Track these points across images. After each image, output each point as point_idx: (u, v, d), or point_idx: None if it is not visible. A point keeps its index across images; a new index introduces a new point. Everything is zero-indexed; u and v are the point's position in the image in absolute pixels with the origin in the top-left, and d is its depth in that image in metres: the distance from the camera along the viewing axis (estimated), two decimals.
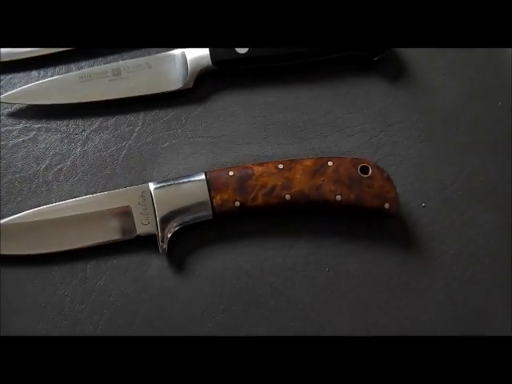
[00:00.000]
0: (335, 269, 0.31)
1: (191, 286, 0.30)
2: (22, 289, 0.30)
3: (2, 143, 0.33)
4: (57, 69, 0.34)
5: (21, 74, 0.34)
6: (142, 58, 0.33)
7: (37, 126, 0.33)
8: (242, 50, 0.33)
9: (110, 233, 0.30)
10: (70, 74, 0.33)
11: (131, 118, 0.33)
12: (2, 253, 0.30)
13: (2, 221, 0.30)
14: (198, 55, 0.33)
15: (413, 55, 0.36)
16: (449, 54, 0.36)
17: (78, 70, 0.34)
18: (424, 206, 0.33)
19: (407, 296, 0.30)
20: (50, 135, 0.33)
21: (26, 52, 0.34)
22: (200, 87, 0.33)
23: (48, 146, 0.33)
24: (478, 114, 0.35)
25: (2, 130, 0.33)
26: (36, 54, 0.34)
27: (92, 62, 0.34)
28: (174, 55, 0.33)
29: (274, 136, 0.33)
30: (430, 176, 0.33)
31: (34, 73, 0.34)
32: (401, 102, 0.34)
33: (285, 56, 0.33)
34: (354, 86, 0.34)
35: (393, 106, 0.34)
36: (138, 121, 0.33)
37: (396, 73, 0.35)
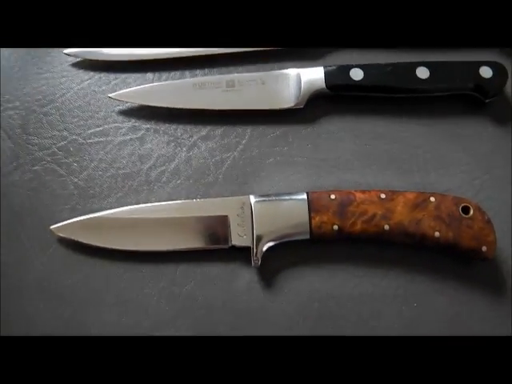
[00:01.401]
0: (423, 305, 0.34)
1: (277, 303, 0.34)
2: (111, 282, 0.35)
3: (109, 138, 0.37)
4: (172, 73, 0.39)
5: (136, 75, 0.39)
6: (256, 74, 0.38)
7: (145, 126, 0.38)
8: (358, 77, 0.37)
9: (205, 240, 0.34)
10: (185, 80, 0.38)
11: (239, 130, 0.37)
12: (95, 244, 0.35)
13: (101, 213, 0.35)
14: (312, 77, 0.37)
15: None
16: None
17: (192, 77, 0.39)
18: None
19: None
20: (158, 137, 0.38)
21: (143, 54, 0.39)
22: (310, 108, 0.37)
23: (154, 146, 0.37)
24: None
25: (112, 126, 0.38)
26: (153, 58, 0.39)
27: (206, 71, 0.39)
28: (288, 74, 0.38)
29: (377, 165, 0.37)
30: None
31: (149, 75, 0.39)
32: (509, 147, 0.38)
33: (399, 88, 0.37)
34: (463, 125, 0.38)
35: (500, 150, 0.38)
36: (246, 134, 0.37)
37: (507, 116, 0.39)
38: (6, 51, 0.41)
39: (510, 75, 0.38)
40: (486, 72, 0.38)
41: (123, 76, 0.39)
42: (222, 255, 0.35)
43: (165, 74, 0.39)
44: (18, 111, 0.39)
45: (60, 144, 0.38)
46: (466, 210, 0.35)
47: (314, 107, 0.38)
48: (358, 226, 0.34)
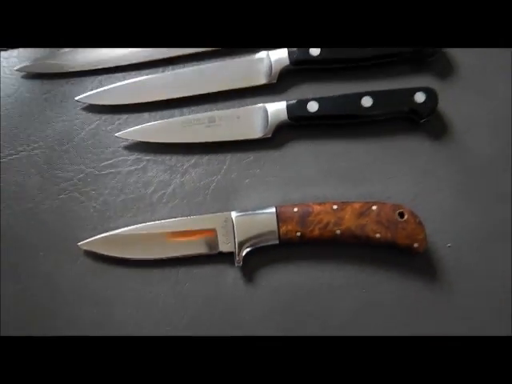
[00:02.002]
0: (371, 291, 0.45)
1: (257, 294, 0.45)
2: (126, 284, 0.46)
3: (118, 169, 0.49)
4: (164, 112, 0.50)
5: (135, 115, 0.50)
6: (232, 110, 0.49)
7: (146, 157, 0.49)
8: (314, 109, 0.48)
9: (199, 247, 0.46)
10: (175, 119, 0.49)
11: (221, 157, 0.48)
12: (114, 255, 0.46)
13: (117, 231, 0.47)
14: (276, 109, 0.48)
15: (454, 117, 0.50)
16: (490, 116, 0.50)
17: (181, 115, 0.49)
18: (449, 246, 0.47)
19: (427, 317, 0.45)
20: (157, 166, 0.49)
21: (141, 98, 0.50)
22: (277, 137, 0.48)
23: (154, 174, 0.49)
24: None
25: (119, 159, 0.49)
26: (147, 101, 0.49)
27: (192, 108, 0.50)
28: (258, 109, 0.48)
29: (333, 181, 0.47)
30: (460, 222, 0.47)
31: (146, 115, 0.50)
32: (442, 158, 0.49)
33: (348, 115, 0.48)
34: (402, 142, 0.49)
35: (434, 162, 0.48)
36: (226, 160, 0.48)
37: (440, 133, 0.49)
38: (26, 98, 0.53)
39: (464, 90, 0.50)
40: (419, 97, 0.48)
41: (124, 117, 0.50)
42: (212, 259, 0.46)
43: (158, 114, 0.50)
44: (42, 150, 0.50)
45: (79, 176, 0.49)
46: (401, 214, 0.45)
47: (280, 135, 0.49)
48: (316, 232, 0.45)
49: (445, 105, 0.49)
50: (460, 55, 0.51)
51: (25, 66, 0.52)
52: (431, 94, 0.48)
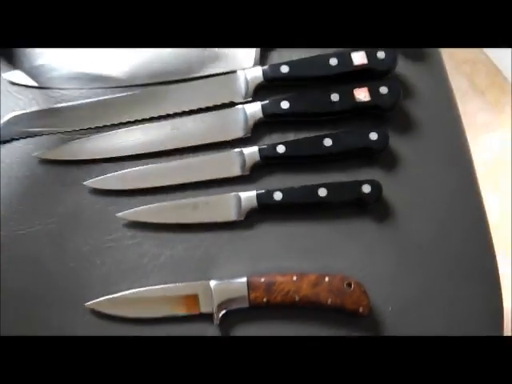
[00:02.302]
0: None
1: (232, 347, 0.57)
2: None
3: (119, 243, 0.60)
4: (157, 197, 0.60)
5: (132, 198, 0.61)
6: (212, 197, 0.60)
7: (141, 234, 0.59)
8: (279, 198, 0.60)
9: (184, 309, 0.57)
10: (166, 203, 0.59)
11: (202, 235, 0.59)
12: (117, 314, 0.57)
13: (118, 294, 0.58)
14: (247, 196, 0.60)
15: (397, 203, 0.62)
16: (427, 202, 0.62)
17: (172, 199, 0.61)
18: (390, 310, 0.58)
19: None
20: (150, 241, 0.59)
21: (136, 184, 0.61)
22: (249, 219, 0.60)
23: (148, 248, 0.59)
24: (447, 249, 0.61)
25: (119, 234, 0.59)
26: (142, 187, 0.61)
27: (180, 194, 0.61)
28: (233, 196, 0.60)
29: (294, 256, 0.59)
30: (400, 290, 0.59)
31: (140, 198, 0.60)
32: (385, 238, 0.60)
33: (306, 203, 0.60)
34: (352, 224, 0.60)
35: (379, 240, 0.60)
36: (207, 238, 0.59)
37: (384, 216, 0.61)
38: (41, 180, 0.65)
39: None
40: (366, 188, 0.61)
41: (124, 199, 0.59)
42: (195, 318, 0.56)
43: (152, 198, 0.58)
44: (55, 224, 0.60)
45: (86, 247, 0.59)
46: (349, 285, 0.57)
47: (250, 218, 0.59)
48: (279, 298, 0.56)
49: (388, 193, 0.61)
50: (403, 151, 0.64)
51: (41, 153, 0.63)
52: (376, 186, 0.60)
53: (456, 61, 1.46)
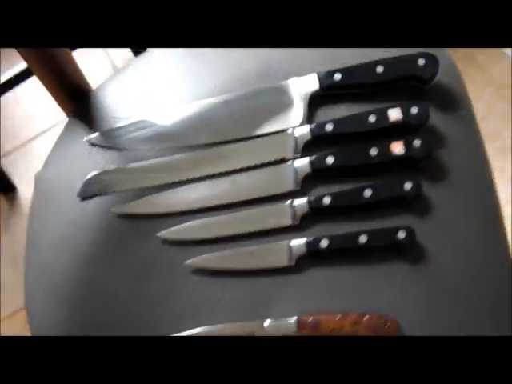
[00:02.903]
0: None
1: None
2: None
3: (187, 287, 0.70)
4: (219, 245, 0.71)
5: (198, 247, 0.72)
6: (266, 246, 0.70)
7: (206, 279, 0.69)
8: (324, 245, 0.70)
9: None
10: (225, 252, 0.70)
11: (259, 280, 0.69)
12: None
13: (188, 332, 0.66)
14: (298, 244, 0.70)
15: (430, 247, 0.71)
16: (456, 240, 0.71)
17: (232, 248, 0.69)
18: None
19: None
20: (214, 285, 0.68)
21: (204, 234, 0.72)
22: (298, 267, 0.69)
23: (212, 292, 0.68)
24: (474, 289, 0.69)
25: (186, 279, 0.71)
26: (209, 237, 0.71)
27: (239, 243, 0.70)
28: (284, 244, 0.70)
29: (339, 296, 0.66)
30: (430, 328, 0.68)
31: (206, 247, 0.71)
32: (418, 279, 0.66)
33: (346, 249, 0.70)
34: (388, 266, 0.68)
35: (413, 282, 0.66)
36: (263, 282, 0.69)
37: (418, 259, 0.69)
38: (118, 232, 0.76)
39: None
40: (401, 234, 0.70)
41: (192, 248, 0.71)
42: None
43: (218, 246, 0.70)
44: (132, 271, 0.70)
45: (159, 290, 0.71)
46: (385, 323, 0.65)
47: (300, 263, 0.70)
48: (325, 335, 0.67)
49: (421, 237, 0.69)
50: (435, 198, 0.73)
51: (118, 208, 0.73)
52: (410, 232, 0.68)
53: (497, 86, 1.53)
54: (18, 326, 1.31)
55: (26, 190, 1.43)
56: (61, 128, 1.50)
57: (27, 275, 0.77)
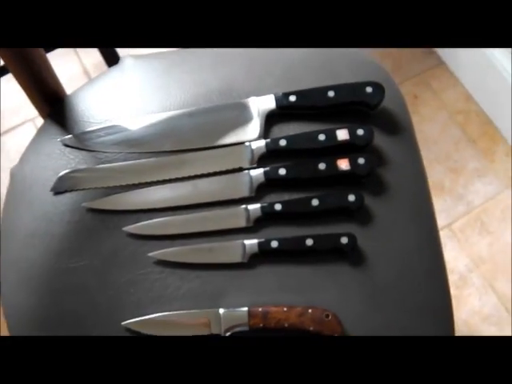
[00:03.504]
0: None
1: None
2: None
3: (149, 277, 0.78)
4: (180, 241, 0.80)
5: (160, 242, 0.81)
6: (224, 243, 0.80)
7: (167, 270, 0.76)
8: (275, 245, 0.79)
9: (198, 330, 0.76)
10: (187, 247, 0.77)
11: (215, 273, 0.79)
12: (144, 332, 0.76)
13: (148, 316, 0.76)
14: (251, 243, 0.80)
15: (370, 252, 0.81)
16: (394, 247, 0.82)
17: (192, 244, 0.80)
18: None
19: None
20: (173, 276, 0.77)
21: (165, 231, 0.81)
22: (251, 262, 0.80)
23: (171, 281, 0.77)
24: (408, 290, 0.80)
25: (149, 269, 0.79)
26: (170, 233, 0.81)
27: (199, 240, 0.80)
28: (239, 242, 0.80)
29: (287, 291, 0.76)
30: (368, 322, 0.78)
31: (167, 242, 0.81)
32: (358, 279, 0.78)
33: (295, 251, 0.80)
34: (333, 267, 0.79)
35: (353, 282, 0.76)
36: (218, 275, 0.79)
37: (358, 262, 0.80)
38: (89, 225, 0.84)
39: None
40: (344, 239, 0.80)
41: (153, 242, 0.77)
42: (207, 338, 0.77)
43: (178, 242, 0.80)
44: (99, 260, 0.78)
45: (124, 279, 0.75)
46: (327, 316, 0.74)
47: (253, 261, 0.81)
48: (272, 325, 0.71)
49: (362, 243, 0.78)
50: (376, 209, 0.83)
51: (88, 203, 0.80)
52: (352, 238, 0.79)
53: (450, 111, 1.66)
54: None
55: None
56: (29, 126, 1.60)
57: (1, 267, 0.84)
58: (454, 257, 1.52)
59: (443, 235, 1.52)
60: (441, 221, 1.52)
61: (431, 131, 1.65)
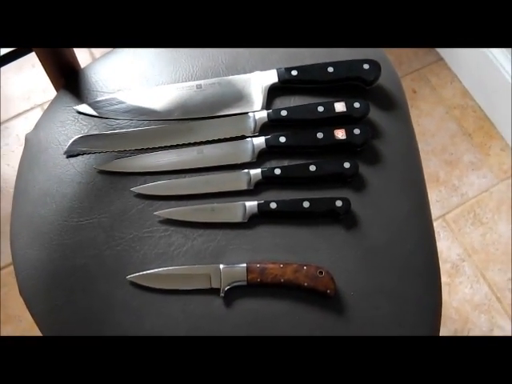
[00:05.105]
0: (300, 315, 0.81)
1: (233, 313, 0.81)
2: (154, 304, 0.82)
3: (154, 234, 0.83)
4: (184, 202, 0.86)
5: (166, 202, 0.86)
6: (228, 204, 0.85)
7: (171, 228, 0.79)
8: (274, 206, 0.85)
9: (199, 284, 0.81)
10: (190, 207, 0.84)
11: (216, 231, 0.82)
12: (149, 285, 0.81)
13: (150, 271, 0.81)
14: (251, 204, 0.85)
15: (363, 216, 0.86)
16: (386, 213, 0.87)
17: (195, 204, 0.86)
18: (352, 294, 0.82)
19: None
20: (177, 234, 0.80)
21: (171, 192, 0.86)
22: (251, 222, 0.85)
23: (175, 239, 0.82)
24: (398, 252, 0.85)
25: (155, 228, 0.83)
26: (176, 194, 0.86)
27: (202, 201, 0.86)
28: (240, 204, 0.85)
29: (283, 249, 0.81)
30: (360, 280, 0.83)
31: (173, 202, 0.86)
32: (351, 241, 0.84)
33: (293, 212, 0.85)
34: (328, 229, 0.84)
35: (347, 243, 0.83)
36: (219, 234, 0.83)
37: (352, 225, 0.85)
38: (99, 186, 0.90)
39: None
40: (338, 203, 0.86)
41: (160, 202, 0.83)
42: (206, 291, 0.78)
43: (184, 202, 0.84)
44: (107, 218, 0.79)
45: (130, 236, 0.78)
46: (321, 272, 0.80)
47: (252, 221, 0.86)
48: (269, 280, 0.77)
49: (356, 208, 0.84)
50: (370, 177, 0.88)
51: (99, 166, 0.86)
52: (346, 202, 0.84)
53: (447, 106, 1.71)
54: None
55: (0, 165, 1.55)
56: (37, 111, 1.65)
57: (13, 226, 0.88)
58: (447, 246, 1.56)
59: (437, 225, 1.57)
60: (435, 211, 1.57)
61: (429, 125, 1.70)
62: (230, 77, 0.91)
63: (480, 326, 1.47)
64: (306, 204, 0.81)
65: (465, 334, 1.47)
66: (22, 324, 1.36)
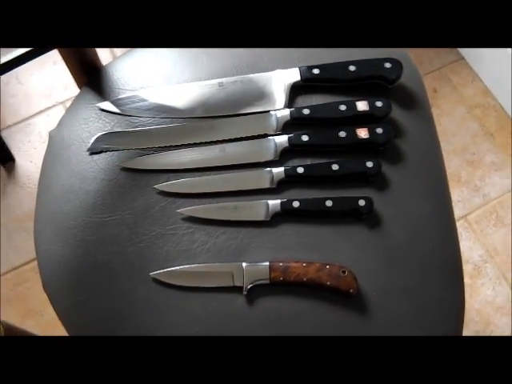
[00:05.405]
0: (323, 315, 0.81)
1: (255, 311, 0.81)
2: (174, 303, 0.82)
3: (177, 232, 0.84)
4: (207, 199, 0.87)
5: (189, 199, 0.87)
6: (250, 202, 0.86)
7: (194, 226, 0.79)
8: (296, 205, 0.85)
9: (222, 282, 0.81)
10: (214, 205, 0.84)
11: (239, 230, 0.83)
12: (172, 283, 0.81)
13: (173, 268, 0.82)
14: (274, 203, 0.85)
15: (385, 215, 0.87)
16: (408, 213, 0.87)
17: (218, 202, 0.87)
18: (375, 294, 0.83)
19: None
20: (200, 232, 0.81)
21: (194, 190, 0.87)
22: (273, 220, 0.86)
23: (198, 237, 0.82)
24: (420, 252, 0.85)
25: (178, 225, 0.84)
26: (198, 192, 0.87)
27: (225, 199, 0.87)
28: (262, 202, 0.85)
29: (306, 248, 0.82)
30: (382, 280, 0.83)
31: (196, 200, 0.87)
32: (374, 240, 0.84)
33: (316, 211, 0.85)
34: (350, 229, 0.84)
35: (369, 242, 0.82)
36: (241, 232, 0.84)
37: (374, 224, 0.86)
38: (122, 183, 0.90)
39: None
40: (361, 202, 0.86)
41: (182, 200, 0.83)
42: (229, 289, 0.78)
43: (205, 200, 0.84)
44: (131, 215, 0.80)
45: (153, 233, 0.79)
46: (344, 272, 0.79)
47: (275, 220, 0.87)
48: (291, 279, 0.77)
49: (379, 207, 0.84)
50: (392, 177, 0.88)
51: (122, 163, 0.87)
52: (369, 201, 0.85)
53: (469, 105, 1.70)
54: (3, 289, 1.43)
55: (23, 161, 1.57)
56: (59, 108, 1.66)
57: (37, 222, 0.89)
58: (469, 247, 1.56)
59: (459, 226, 1.57)
60: (457, 212, 1.56)
61: (450, 124, 1.69)
62: (252, 75, 0.91)
63: (502, 328, 1.47)
64: (328, 203, 0.81)
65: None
66: (44, 318, 1.38)
